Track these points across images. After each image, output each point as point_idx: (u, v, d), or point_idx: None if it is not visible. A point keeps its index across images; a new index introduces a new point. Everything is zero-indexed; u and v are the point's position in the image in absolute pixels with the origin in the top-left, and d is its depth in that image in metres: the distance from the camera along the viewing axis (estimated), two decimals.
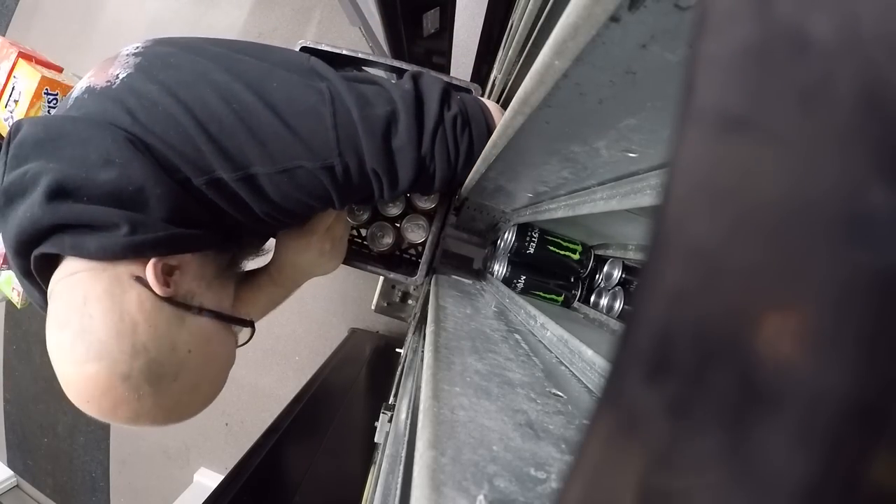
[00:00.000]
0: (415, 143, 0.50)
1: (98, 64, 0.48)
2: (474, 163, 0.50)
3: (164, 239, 0.42)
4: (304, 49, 0.68)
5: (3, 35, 1.81)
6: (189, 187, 0.44)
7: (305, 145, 0.46)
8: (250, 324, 0.53)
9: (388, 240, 0.74)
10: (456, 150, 0.54)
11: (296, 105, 0.46)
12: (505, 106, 0.34)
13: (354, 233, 0.79)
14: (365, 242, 0.80)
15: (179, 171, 0.43)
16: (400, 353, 1.11)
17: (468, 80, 0.68)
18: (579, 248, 0.75)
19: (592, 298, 0.78)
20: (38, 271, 0.43)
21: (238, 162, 0.44)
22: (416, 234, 0.73)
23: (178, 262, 0.44)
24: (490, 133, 0.53)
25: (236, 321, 0.50)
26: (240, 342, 0.53)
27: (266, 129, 0.44)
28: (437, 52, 1.10)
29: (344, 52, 0.68)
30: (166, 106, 0.43)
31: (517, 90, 0.25)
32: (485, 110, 0.57)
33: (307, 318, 1.92)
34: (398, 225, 0.75)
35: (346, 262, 0.67)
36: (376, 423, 0.79)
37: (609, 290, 0.75)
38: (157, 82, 0.44)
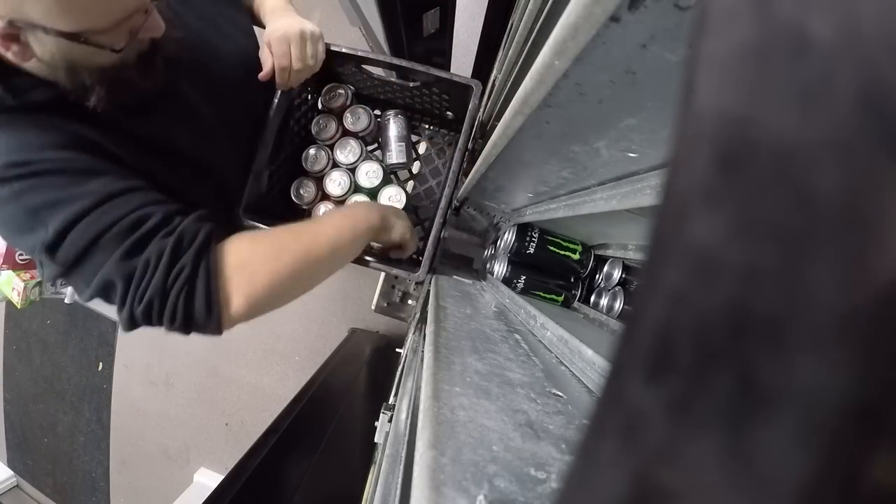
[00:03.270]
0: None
1: None
2: None
3: None
4: None
5: None
6: None
7: None
8: None
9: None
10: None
11: None
12: (505, 106, 0.34)
13: None
14: None
15: None
16: (400, 353, 1.11)
17: (468, 77, 0.68)
18: (579, 248, 0.75)
19: (592, 298, 0.78)
20: None
21: None
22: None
23: None
24: None
25: None
26: None
27: None
28: (437, 52, 1.10)
29: (344, 50, 0.68)
30: None
31: (517, 90, 0.25)
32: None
33: (307, 318, 1.93)
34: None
35: None
36: (376, 423, 0.79)
37: (609, 290, 0.75)
38: None
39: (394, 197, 0.75)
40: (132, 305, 0.42)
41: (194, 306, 0.43)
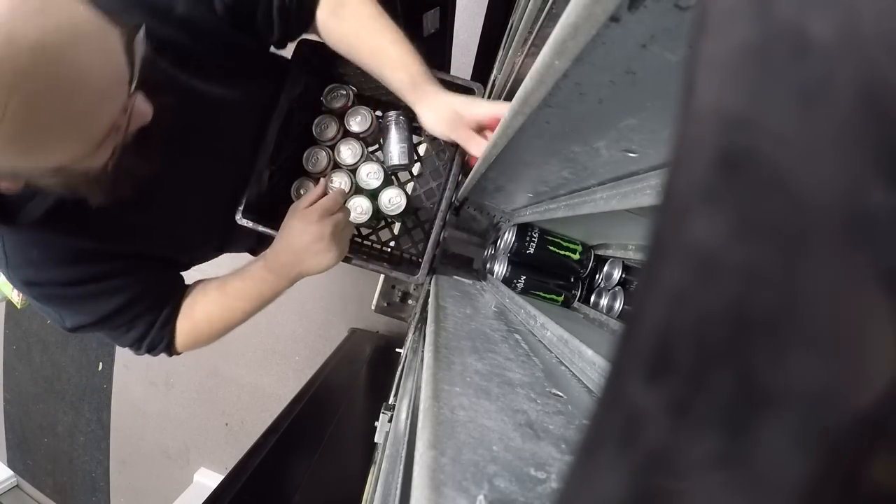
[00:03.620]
0: None
1: None
2: None
3: None
4: (303, 43, 0.68)
5: None
6: None
7: None
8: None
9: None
10: None
11: None
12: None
13: (355, 231, 0.79)
14: (365, 243, 0.80)
15: None
16: (400, 353, 1.11)
17: (468, 79, 0.68)
18: (579, 248, 0.75)
19: (592, 298, 0.78)
20: None
21: None
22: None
23: None
24: None
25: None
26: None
27: None
28: (437, 52, 1.10)
29: None
30: None
31: (517, 90, 0.25)
32: None
33: (307, 318, 1.93)
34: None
35: (347, 260, 0.67)
36: (376, 423, 0.79)
37: (609, 290, 0.75)
38: None
39: (393, 199, 0.75)
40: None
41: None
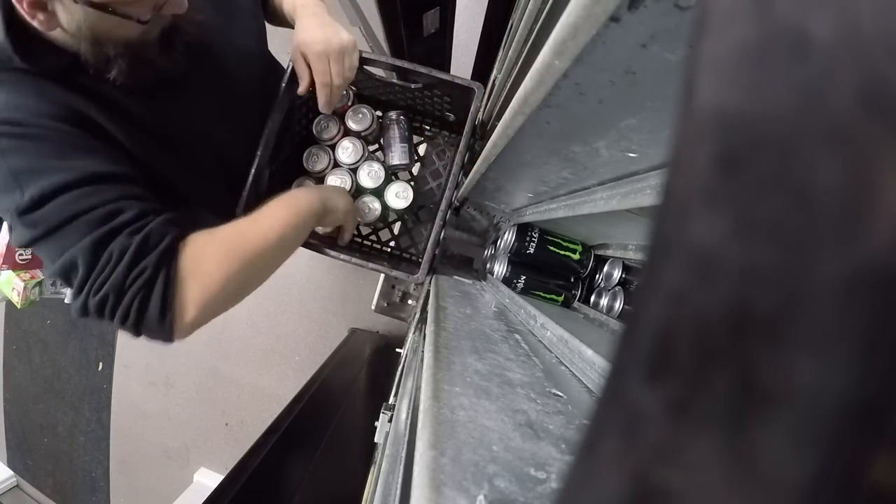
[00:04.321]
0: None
1: None
2: None
3: None
4: None
5: None
6: None
7: None
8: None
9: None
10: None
11: None
12: (505, 106, 0.34)
13: (355, 231, 0.79)
14: (365, 242, 0.80)
15: None
16: (400, 353, 1.11)
17: (468, 79, 0.68)
18: (579, 248, 0.75)
19: (592, 298, 0.78)
20: None
21: None
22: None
23: None
24: None
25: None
26: None
27: None
28: (437, 52, 1.10)
29: None
30: None
31: (517, 90, 0.25)
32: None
33: (307, 318, 1.92)
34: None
35: (347, 260, 0.67)
36: (376, 423, 0.79)
37: (609, 290, 0.75)
38: None
39: (401, 193, 0.75)
40: (88, 294, 0.43)
41: (148, 310, 0.43)
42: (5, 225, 0.55)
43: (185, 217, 0.50)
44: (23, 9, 0.41)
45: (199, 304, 0.45)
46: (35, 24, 0.42)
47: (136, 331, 0.45)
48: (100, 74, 0.47)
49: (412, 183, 0.80)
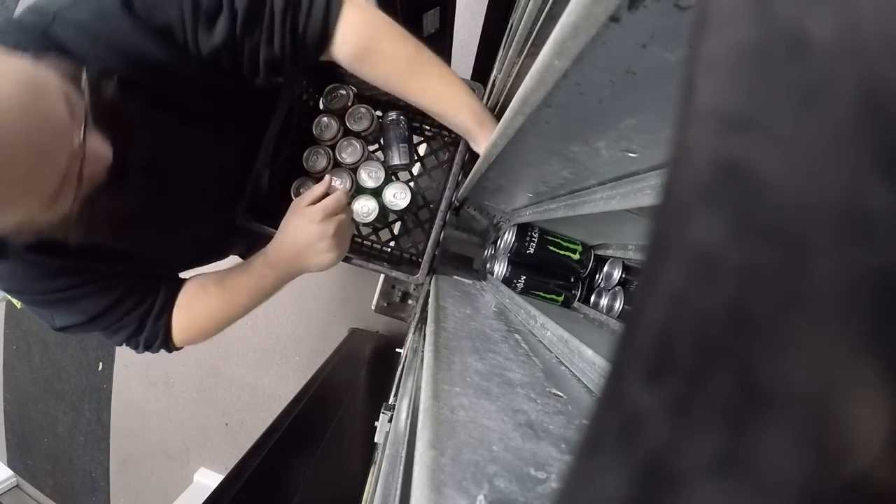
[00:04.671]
0: None
1: None
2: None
3: None
4: None
5: None
6: None
7: None
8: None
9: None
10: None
11: None
12: (505, 106, 0.34)
13: (355, 231, 0.79)
14: (365, 242, 0.80)
15: None
16: (400, 353, 1.11)
17: (468, 80, 0.68)
18: (579, 247, 0.75)
19: (592, 298, 0.78)
20: None
21: None
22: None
23: None
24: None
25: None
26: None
27: None
28: (437, 52, 1.10)
29: None
30: None
31: (517, 90, 0.25)
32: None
33: (307, 318, 1.92)
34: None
35: (347, 260, 0.67)
36: (376, 423, 0.79)
37: (609, 290, 0.75)
38: None
39: (398, 194, 0.75)
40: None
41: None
42: None
43: (170, 279, 0.66)
44: None
45: (185, 342, 0.67)
46: None
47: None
48: (65, 248, 0.46)
49: (412, 183, 0.80)
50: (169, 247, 0.64)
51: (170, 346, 0.65)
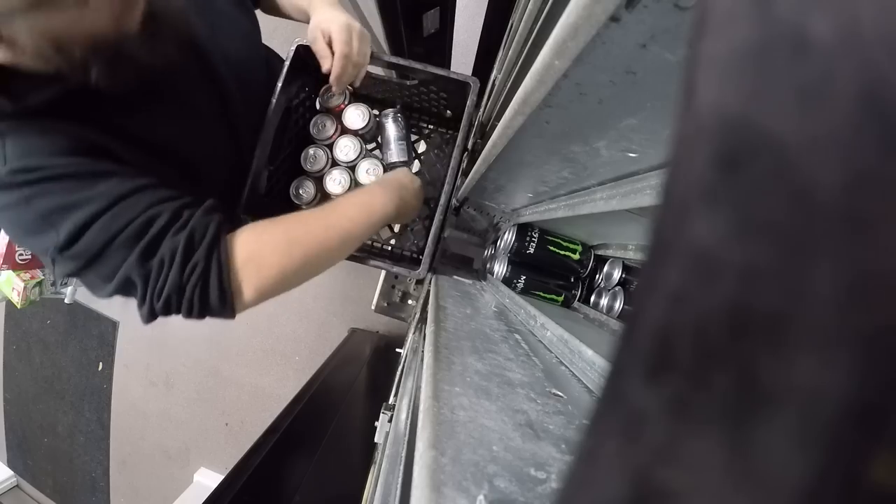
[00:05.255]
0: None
1: None
2: None
3: None
4: (302, 48, 0.68)
5: None
6: None
7: None
8: None
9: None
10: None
11: None
12: (505, 106, 0.34)
13: None
14: (366, 241, 0.80)
15: None
16: (400, 353, 1.11)
17: (467, 74, 0.68)
18: (579, 247, 0.75)
19: (592, 298, 0.78)
20: None
21: None
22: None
23: None
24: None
25: None
26: None
27: None
28: (437, 51, 1.10)
29: None
30: None
31: (517, 90, 0.25)
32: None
33: (307, 318, 1.92)
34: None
35: (348, 257, 0.67)
36: (376, 423, 0.79)
37: (609, 290, 0.74)
38: None
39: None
40: (152, 301, 0.45)
41: (209, 298, 0.46)
42: None
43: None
44: None
45: (256, 289, 0.47)
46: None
47: (202, 317, 0.47)
48: (82, 85, 0.44)
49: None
50: (194, 169, 0.57)
51: (227, 257, 0.46)
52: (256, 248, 0.48)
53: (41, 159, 0.44)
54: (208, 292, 0.46)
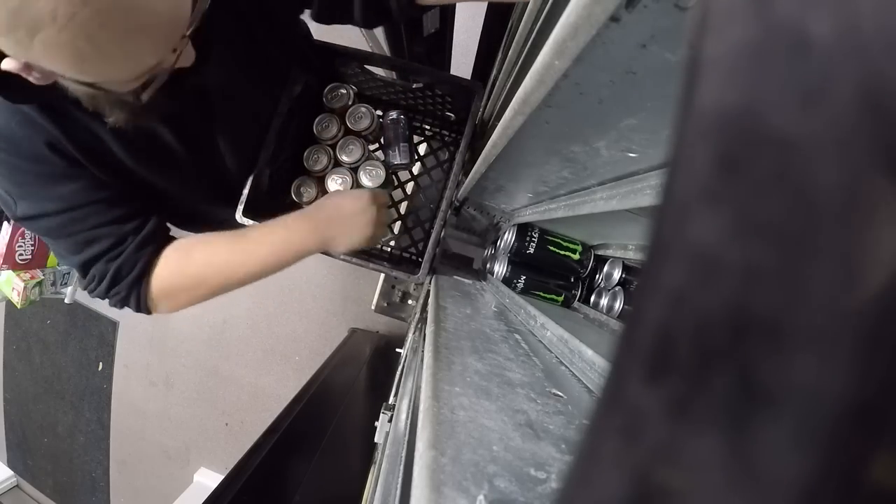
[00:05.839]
0: None
1: None
2: None
3: None
4: (304, 43, 0.68)
5: None
6: None
7: None
8: None
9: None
10: None
11: None
12: (505, 106, 0.34)
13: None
14: None
15: None
16: (400, 353, 1.11)
17: (468, 79, 0.68)
18: (579, 247, 0.75)
19: (592, 298, 0.78)
20: None
21: None
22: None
23: None
24: None
25: None
26: None
27: None
28: (437, 51, 1.10)
29: (348, 49, 0.68)
30: None
31: (517, 90, 0.25)
32: None
33: (307, 318, 1.92)
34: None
35: (347, 260, 0.67)
36: (376, 423, 0.79)
37: (609, 290, 0.74)
38: None
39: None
40: (88, 290, 0.55)
41: (130, 309, 0.56)
42: (5, 225, 0.58)
43: (166, 220, 0.58)
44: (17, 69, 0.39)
45: (167, 311, 0.57)
46: (32, 80, 0.39)
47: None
48: (97, 114, 0.45)
49: (411, 183, 0.80)
50: (192, 175, 0.59)
51: (145, 292, 0.54)
52: (169, 285, 0.55)
53: (13, 140, 0.47)
54: (128, 306, 0.56)
